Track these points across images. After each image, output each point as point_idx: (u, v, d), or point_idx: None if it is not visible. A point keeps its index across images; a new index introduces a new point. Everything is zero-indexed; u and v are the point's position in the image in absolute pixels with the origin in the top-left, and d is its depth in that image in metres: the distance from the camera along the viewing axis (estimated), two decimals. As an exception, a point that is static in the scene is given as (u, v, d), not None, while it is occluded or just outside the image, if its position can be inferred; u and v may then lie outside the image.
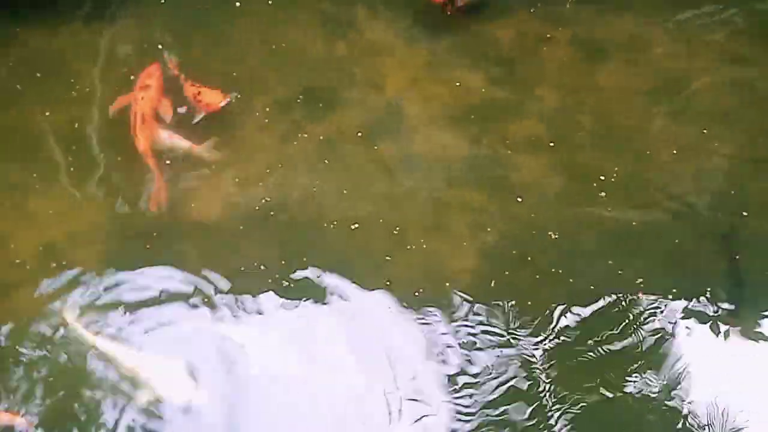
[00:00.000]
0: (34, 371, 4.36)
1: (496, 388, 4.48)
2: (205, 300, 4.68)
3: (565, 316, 4.73)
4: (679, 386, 4.53)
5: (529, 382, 4.49)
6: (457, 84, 5.77)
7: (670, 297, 4.83)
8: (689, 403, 4.48)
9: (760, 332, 4.77)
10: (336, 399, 4.42)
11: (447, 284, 4.83)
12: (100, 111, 5.40)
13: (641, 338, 4.67)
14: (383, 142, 5.44)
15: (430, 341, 4.63)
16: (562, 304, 4.76)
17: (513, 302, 4.76)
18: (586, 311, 4.75)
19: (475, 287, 4.82)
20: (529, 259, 4.95)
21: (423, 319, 4.71)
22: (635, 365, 4.57)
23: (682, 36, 6.09)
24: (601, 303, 4.77)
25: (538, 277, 4.89)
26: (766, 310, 4.86)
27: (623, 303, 4.78)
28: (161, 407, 4.31)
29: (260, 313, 4.66)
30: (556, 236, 5.04)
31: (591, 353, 4.61)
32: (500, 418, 4.39)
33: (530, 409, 4.41)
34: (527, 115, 5.64)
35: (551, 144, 5.49)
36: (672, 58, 5.97)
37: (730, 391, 4.52)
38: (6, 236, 4.86)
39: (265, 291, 4.72)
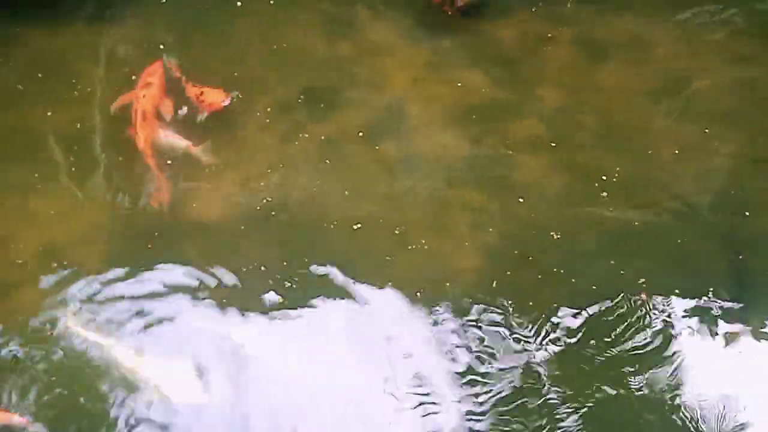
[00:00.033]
0: (34, 371, 4.32)
1: (497, 388, 4.44)
2: (206, 300, 4.65)
3: (567, 317, 4.70)
4: (681, 386, 4.50)
5: (531, 383, 4.45)
6: (459, 84, 5.76)
7: (673, 297, 4.81)
8: (690, 403, 4.44)
9: (763, 332, 4.75)
10: (336, 399, 4.39)
11: (448, 284, 4.80)
12: (102, 111, 5.39)
13: (643, 338, 4.64)
14: (384, 142, 5.42)
15: (432, 341, 4.61)
16: (564, 305, 4.73)
17: (515, 302, 4.73)
18: (588, 311, 4.72)
19: (477, 287, 4.80)
20: (531, 259, 4.93)
21: (424, 319, 4.68)
22: (637, 365, 4.53)
23: (683, 36, 6.09)
24: (603, 303, 4.75)
25: (539, 277, 4.86)
26: (768, 310, 4.85)
27: (625, 303, 4.76)
28: (161, 407, 4.27)
29: (261, 313, 4.63)
30: (558, 236, 5.03)
31: (593, 353, 4.58)
32: (501, 418, 4.36)
33: (531, 409, 4.38)
34: (528, 115, 5.63)
35: (552, 144, 5.48)
36: (673, 57, 5.97)
37: (733, 391, 4.50)
38: (7, 236, 4.83)
39: (266, 291, 4.69)
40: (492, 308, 4.71)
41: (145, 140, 5.08)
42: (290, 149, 5.33)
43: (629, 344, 4.61)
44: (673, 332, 4.67)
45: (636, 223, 5.11)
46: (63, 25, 5.76)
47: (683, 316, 4.74)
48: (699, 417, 4.40)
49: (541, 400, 4.40)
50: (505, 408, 4.38)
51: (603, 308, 4.73)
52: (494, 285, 4.81)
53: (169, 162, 5.11)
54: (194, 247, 4.87)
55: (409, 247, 4.92)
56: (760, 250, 5.02)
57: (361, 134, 5.43)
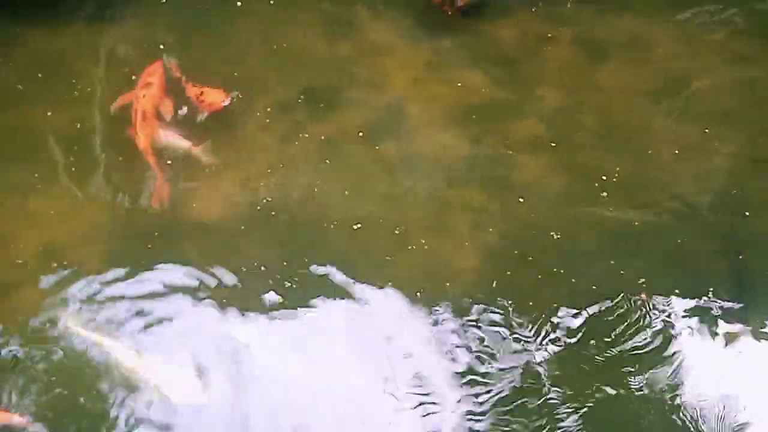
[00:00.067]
0: (34, 371, 4.30)
1: (497, 388, 4.42)
2: (206, 300, 4.63)
3: (567, 317, 4.68)
4: (681, 386, 4.48)
5: (531, 383, 4.43)
6: (459, 84, 5.75)
7: (673, 297, 4.79)
8: (691, 403, 4.43)
9: (763, 332, 4.72)
10: (336, 399, 4.38)
11: (448, 284, 4.78)
12: (102, 111, 5.37)
13: (643, 338, 4.62)
14: (384, 142, 5.40)
15: (432, 341, 4.59)
16: (564, 305, 4.71)
17: (515, 302, 4.71)
18: (588, 311, 4.70)
19: (477, 287, 4.78)
20: (531, 259, 4.91)
21: (424, 319, 4.66)
22: (637, 365, 4.52)
23: (683, 36, 6.08)
24: (603, 303, 4.73)
25: (539, 277, 4.84)
26: (768, 310, 4.83)
27: (625, 303, 4.74)
28: (161, 407, 4.25)
29: (261, 313, 4.61)
30: (558, 236, 5.01)
31: (593, 353, 4.56)
32: (501, 418, 4.34)
33: (531, 410, 4.36)
34: (528, 115, 5.62)
35: (552, 144, 5.46)
36: (673, 57, 5.95)
37: (733, 390, 4.48)
38: (7, 236, 4.81)
39: (266, 291, 4.67)
40: (492, 308, 4.69)
41: (145, 140, 5.05)
42: (290, 149, 5.31)
43: (629, 344, 4.59)
44: (673, 332, 4.65)
45: (636, 223, 5.09)
46: (63, 25, 5.74)
47: (683, 316, 4.72)
48: (699, 417, 4.38)
49: (541, 400, 4.38)
50: (505, 408, 4.36)
51: (603, 308, 4.71)
52: (494, 285, 4.79)
53: (169, 162, 5.10)
54: (194, 247, 4.85)
55: (409, 247, 4.90)
56: (760, 250, 5.00)
57: (361, 134, 5.41)
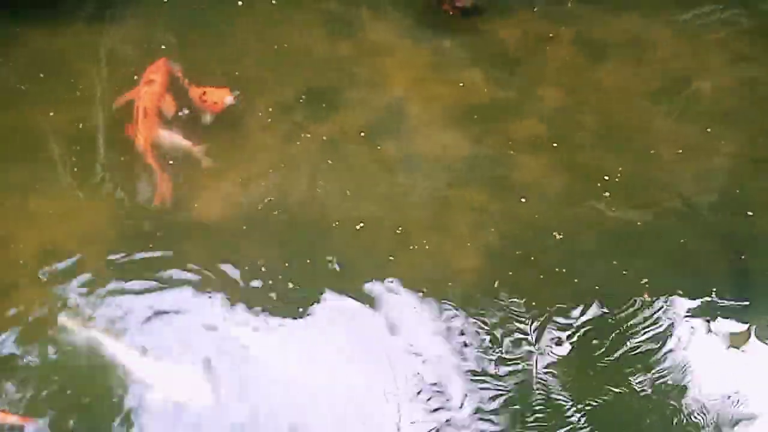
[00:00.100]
0: (34, 371, 4.26)
1: (499, 388, 4.38)
2: (207, 300, 4.58)
3: (569, 317, 4.64)
4: (683, 386, 4.44)
5: (532, 383, 4.40)
6: (460, 84, 5.71)
7: (675, 297, 4.75)
8: (693, 403, 4.39)
9: (766, 331, 4.67)
10: (336, 399, 4.34)
11: (450, 284, 4.74)
12: (103, 111, 5.33)
13: (645, 338, 4.58)
14: (386, 142, 5.37)
15: (432, 342, 4.54)
16: (566, 305, 4.68)
17: (516, 302, 4.68)
18: (591, 311, 4.66)
19: (479, 287, 4.74)
20: (533, 259, 4.88)
21: (425, 319, 4.61)
22: (640, 365, 4.48)
23: (683, 35, 6.05)
24: (605, 303, 4.69)
25: (541, 277, 4.81)
26: (771, 310, 4.80)
27: (628, 303, 4.70)
28: (161, 407, 4.21)
29: (261, 314, 4.56)
30: (560, 236, 4.97)
31: (595, 353, 4.52)
32: (501, 417, 4.30)
33: (532, 409, 4.32)
34: (529, 115, 5.58)
35: (554, 144, 5.42)
36: (675, 57, 5.92)
37: (735, 390, 4.44)
38: (8, 236, 4.77)
39: (268, 291, 4.63)
40: (494, 308, 4.65)
41: (145, 137, 5.02)
42: (291, 149, 5.27)
43: (631, 344, 4.55)
44: (675, 332, 4.62)
45: (638, 223, 5.06)
46: (63, 25, 5.70)
47: (685, 316, 4.68)
48: (701, 417, 4.34)
49: (543, 400, 4.34)
50: (506, 408, 4.31)
51: (605, 308, 4.68)
52: (496, 285, 4.75)
53: (171, 162, 5.06)
54: (196, 247, 4.81)
55: (411, 247, 4.86)
56: (762, 249, 4.96)
57: (362, 134, 5.37)
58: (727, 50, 5.97)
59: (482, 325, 4.58)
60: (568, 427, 4.26)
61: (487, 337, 4.53)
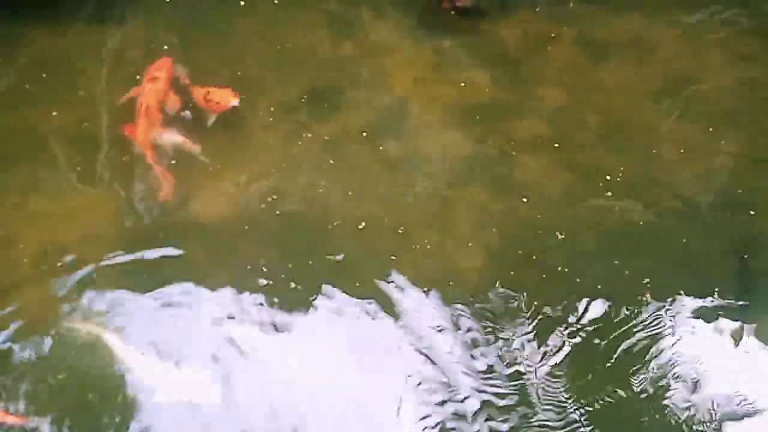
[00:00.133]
0: (34, 371, 4.22)
1: (500, 387, 4.34)
2: (208, 300, 4.53)
3: (571, 316, 4.59)
4: (684, 386, 4.39)
5: (533, 382, 4.35)
6: (462, 84, 5.66)
7: (678, 297, 4.71)
8: (694, 402, 4.34)
9: (768, 332, 4.67)
10: (336, 399, 4.30)
11: (451, 284, 4.69)
12: (105, 111, 5.28)
13: (647, 338, 4.53)
14: (388, 142, 5.31)
15: (433, 341, 4.49)
16: (568, 304, 4.63)
17: (518, 302, 4.63)
18: (593, 311, 4.62)
19: (480, 287, 4.69)
20: (534, 258, 4.83)
21: (426, 319, 4.56)
22: (641, 365, 4.44)
23: (686, 36, 6.00)
24: (607, 303, 4.65)
25: (544, 276, 4.76)
26: (774, 310, 4.77)
27: (630, 303, 4.65)
28: (161, 407, 4.16)
29: (263, 313, 4.51)
30: (563, 236, 4.92)
31: (597, 353, 4.48)
32: (502, 417, 4.25)
33: (533, 409, 4.28)
34: (530, 115, 5.53)
35: (555, 144, 5.37)
36: (676, 57, 5.88)
37: (737, 390, 4.40)
38: (12, 236, 4.72)
39: (269, 291, 4.58)
40: (495, 308, 4.61)
41: (146, 135, 4.97)
42: (293, 149, 5.22)
43: (633, 344, 4.51)
44: (677, 332, 4.57)
45: (640, 223, 5.02)
46: (64, 25, 5.66)
47: (688, 316, 4.64)
48: (702, 417, 4.30)
49: (543, 399, 4.30)
50: (506, 407, 4.27)
51: (607, 308, 4.64)
52: (497, 285, 4.71)
53: (173, 162, 5.01)
54: (198, 247, 4.76)
55: (413, 247, 4.82)
56: (763, 249, 4.92)
57: (365, 134, 5.32)
58: (727, 50, 5.92)
59: (483, 325, 4.53)
60: (568, 427, 4.23)
61: (488, 337, 4.48)
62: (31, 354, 4.26)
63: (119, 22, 5.78)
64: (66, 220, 4.80)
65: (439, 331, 4.51)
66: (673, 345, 4.52)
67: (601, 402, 4.31)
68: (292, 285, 4.59)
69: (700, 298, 4.70)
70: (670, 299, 4.68)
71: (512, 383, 4.34)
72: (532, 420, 4.23)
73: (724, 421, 4.29)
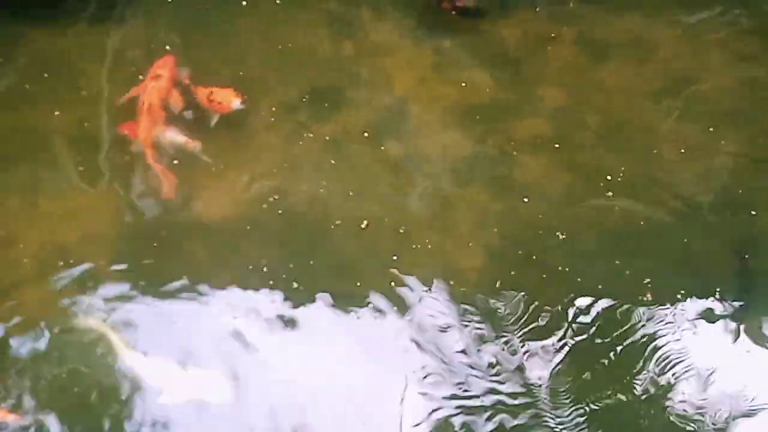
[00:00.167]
0: (36, 370, 4.19)
1: (500, 387, 4.31)
2: (210, 299, 4.50)
3: (572, 316, 4.55)
4: (685, 386, 4.35)
5: (534, 382, 4.32)
6: (463, 84, 5.60)
7: (679, 297, 4.66)
8: (695, 403, 4.31)
9: (769, 332, 4.65)
10: (336, 399, 4.27)
11: (452, 283, 4.65)
12: (108, 111, 5.23)
13: (648, 338, 4.49)
14: (389, 142, 5.27)
15: (434, 341, 4.46)
16: (569, 304, 4.59)
17: (519, 302, 4.59)
18: (594, 311, 4.58)
19: (481, 287, 4.65)
20: (535, 258, 4.79)
21: (427, 319, 4.53)
22: (642, 365, 4.41)
23: (686, 35, 5.94)
24: (608, 303, 4.61)
25: (544, 276, 4.72)
26: (775, 310, 4.75)
27: (631, 303, 4.61)
28: (162, 406, 4.14)
29: (264, 313, 4.48)
30: (563, 236, 4.88)
31: (598, 353, 4.44)
32: (503, 417, 4.23)
33: (534, 409, 4.25)
34: (531, 115, 5.48)
35: (556, 144, 5.32)
36: (676, 57, 5.82)
37: (738, 391, 4.36)
38: (12, 236, 4.68)
39: (271, 290, 4.55)
40: (496, 308, 4.56)
41: (146, 132, 4.93)
42: (295, 149, 5.18)
43: (633, 344, 4.48)
44: (678, 332, 4.53)
45: (641, 223, 4.97)
46: (64, 25, 5.60)
47: (688, 316, 4.60)
48: (703, 417, 4.27)
49: (545, 399, 4.28)
50: (508, 407, 4.25)
51: (608, 308, 4.60)
52: (498, 285, 4.67)
53: (176, 162, 4.97)
54: (200, 246, 4.73)
55: (414, 247, 4.78)
56: (764, 249, 4.87)
57: (366, 134, 5.27)
58: (727, 50, 5.86)
59: (484, 325, 4.49)
60: (569, 426, 4.20)
61: (489, 337, 4.44)
62: (31, 354, 4.23)
63: (120, 21, 5.73)
64: (67, 219, 4.77)
65: (440, 330, 4.48)
66: (673, 345, 4.47)
67: (602, 402, 4.28)
68: (294, 285, 4.55)
69: (701, 298, 4.65)
70: (670, 299, 4.64)
71: (512, 383, 4.30)
72: (532, 419, 4.20)
73: (725, 421, 4.25)
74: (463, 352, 4.40)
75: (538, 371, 4.34)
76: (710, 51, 5.85)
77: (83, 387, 4.14)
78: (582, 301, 4.59)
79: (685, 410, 4.27)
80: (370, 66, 5.66)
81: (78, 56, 5.51)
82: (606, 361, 4.40)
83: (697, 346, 4.48)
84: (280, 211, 4.85)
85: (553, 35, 5.86)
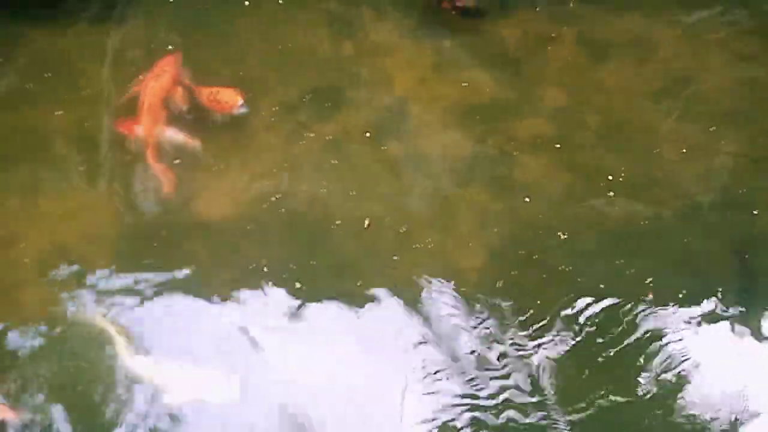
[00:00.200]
0: (37, 369, 4.17)
1: (501, 387, 4.27)
2: (210, 299, 4.48)
3: (573, 316, 4.51)
4: (686, 386, 4.32)
5: (535, 382, 4.28)
6: (464, 84, 5.57)
7: (680, 296, 4.62)
8: (695, 403, 4.27)
9: (770, 332, 4.64)
10: (336, 399, 4.23)
11: (453, 283, 4.62)
12: (108, 111, 5.22)
13: (649, 338, 4.45)
14: (389, 142, 5.24)
15: (435, 341, 4.42)
16: (570, 304, 4.55)
17: (520, 301, 4.56)
18: (595, 311, 4.54)
19: (482, 286, 4.61)
20: (536, 258, 4.75)
21: (428, 318, 4.49)
22: (643, 365, 4.36)
23: (687, 35, 5.92)
24: (609, 303, 4.56)
25: (545, 276, 4.68)
26: (776, 309, 4.74)
27: (632, 303, 4.57)
28: (162, 406, 4.10)
29: (264, 313, 4.45)
30: (565, 236, 4.84)
31: (598, 352, 4.40)
32: (503, 417, 4.18)
33: (535, 409, 4.20)
34: (531, 115, 5.45)
35: (556, 144, 5.29)
36: (676, 57, 5.79)
37: (738, 391, 4.31)
38: (12, 236, 4.66)
39: (272, 290, 4.53)
40: (497, 308, 4.54)
41: (149, 131, 4.91)
42: (296, 149, 5.16)
43: (634, 343, 4.43)
44: (679, 332, 4.49)
45: (642, 223, 4.93)
46: (64, 25, 5.60)
47: (688, 316, 4.55)
48: (703, 417, 4.22)
49: (546, 399, 4.23)
50: (507, 407, 4.20)
51: (609, 308, 4.56)
52: (499, 284, 4.63)
53: (177, 161, 4.95)
54: (200, 246, 4.70)
55: (414, 246, 4.75)
56: (764, 249, 4.82)
57: (367, 134, 5.25)
58: (727, 50, 5.84)
59: (485, 325, 4.46)
60: (569, 426, 4.15)
61: (490, 337, 4.41)
62: (31, 353, 4.20)
63: (120, 21, 5.73)
64: (67, 219, 4.74)
65: (441, 330, 4.44)
66: (674, 345, 4.43)
67: (602, 402, 4.23)
68: (294, 284, 4.52)
69: (701, 297, 4.61)
70: (671, 299, 4.60)
71: (513, 383, 4.26)
72: (532, 419, 4.15)
73: (726, 421, 4.21)
74: (463, 352, 4.36)
75: (539, 371, 4.30)
76: (710, 51, 5.84)
77: (84, 386, 4.11)
78: (582, 301, 4.56)
79: (685, 410, 4.22)
80: (370, 66, 5.65)
81: (78, 56, 5.49)
82: (607, 361, 4.36)
83: (698, 346, 4.44)
84: (280, 211, 4.83)
85: (553, 35, 5.85)
